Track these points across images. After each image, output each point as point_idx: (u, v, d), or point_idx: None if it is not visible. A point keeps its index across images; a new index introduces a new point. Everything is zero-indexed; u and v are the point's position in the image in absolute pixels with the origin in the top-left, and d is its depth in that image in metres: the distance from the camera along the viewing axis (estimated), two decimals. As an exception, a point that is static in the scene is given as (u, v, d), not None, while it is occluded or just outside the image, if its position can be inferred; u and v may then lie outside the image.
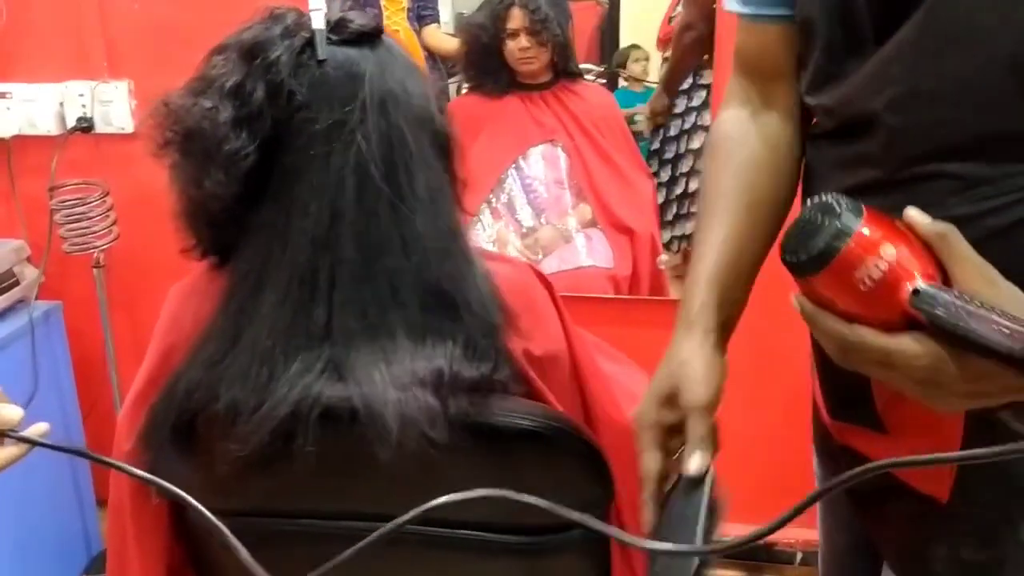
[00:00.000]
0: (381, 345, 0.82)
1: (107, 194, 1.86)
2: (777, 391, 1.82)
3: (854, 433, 0.87)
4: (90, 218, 1.81)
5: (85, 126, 1.89)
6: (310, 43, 0.86)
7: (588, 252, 2.13)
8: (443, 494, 0.87)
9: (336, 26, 0.87)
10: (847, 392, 0.84)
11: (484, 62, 1.96)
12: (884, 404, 0.81)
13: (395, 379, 0.80)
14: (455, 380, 0.82)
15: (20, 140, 1.94)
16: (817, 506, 1.08)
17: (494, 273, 0.91)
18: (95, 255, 1.89)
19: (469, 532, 0.89)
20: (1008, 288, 0.62)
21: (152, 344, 0.95)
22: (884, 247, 0.61)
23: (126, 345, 2.01)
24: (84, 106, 1.89)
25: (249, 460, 0.81)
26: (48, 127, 1.91)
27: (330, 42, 0.86)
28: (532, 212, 2.14)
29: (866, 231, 0.61)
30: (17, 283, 1.87)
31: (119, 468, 0.77)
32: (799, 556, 2.07)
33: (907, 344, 0.62)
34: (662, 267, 2.02)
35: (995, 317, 0.58)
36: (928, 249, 0.62)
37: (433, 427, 0.79)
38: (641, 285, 2.10)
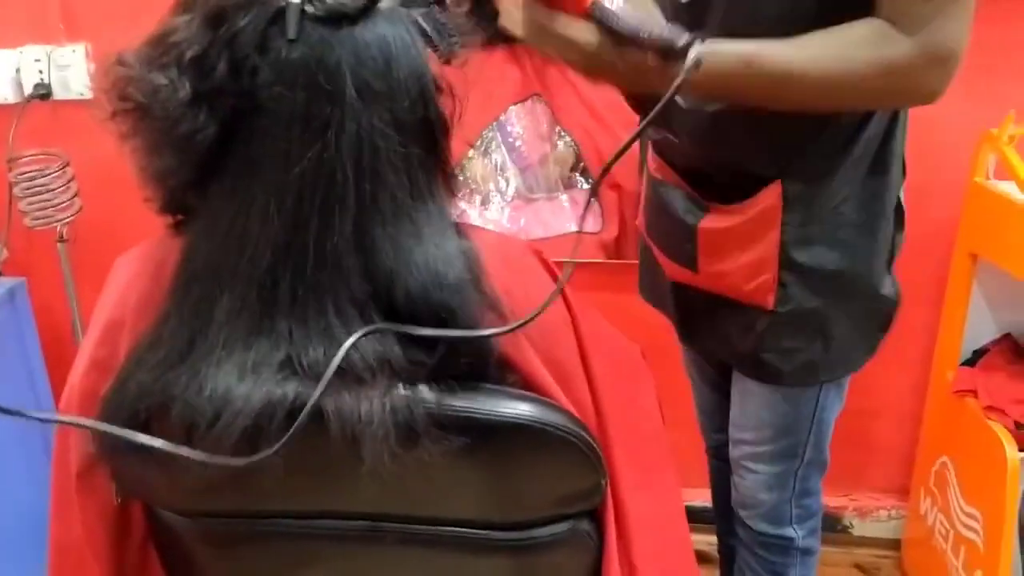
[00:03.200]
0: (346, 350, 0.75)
1: (67, 165, 1.78)
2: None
3: (672, 266, 1.30)
4: (51, 190, 1.73)
5: (43, 93, 1.80)
6: (283, 14, 0.75)
7: (574, 216, 2.07)
8: (426, 489, 0.83)
9: None
10: (672, 242, 1.27)
11: (473, 11, 1.88)
12: (702, 260, 1.23)
13: (360, 376, 0.74)
14: (428, 373, 0.77)
15: (-25, 109, 1.85)
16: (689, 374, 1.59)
17: (479, 251, 0.84)
18: (58, 229, 1.81)
19: (453, 529, 0.84)
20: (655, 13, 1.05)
21: (94, 319, 0.89)
22: None
23: (96, 321, 1.94)
24: (41, 72, 1.79)
25: (212, 471, 0.75)
26: (5, 95, 1.81)
27: (306, 16, 0.75)
28: (518, 174, 2.08)
29: None
30: (-21, 259, 1.80)
31: (61, 422, 0.78)
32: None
33: (585, 31, 0.95)
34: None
35: (644, 25, 0.92)
36: None
37: (406, 423, 0.74)
38: (628, 247, 2.05)
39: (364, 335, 0.76)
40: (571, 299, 0.91)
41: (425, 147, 0.81)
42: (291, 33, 0.75)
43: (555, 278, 0.91)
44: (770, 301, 1.18)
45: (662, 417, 1.11)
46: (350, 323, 0.77)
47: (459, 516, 0.84)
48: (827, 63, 0.94)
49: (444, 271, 0.79)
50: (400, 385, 0.76)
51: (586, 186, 2.09)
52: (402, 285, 0.78)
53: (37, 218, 1.75)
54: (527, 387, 0.84)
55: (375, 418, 0.73)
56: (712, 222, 1.19)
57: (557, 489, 0.85)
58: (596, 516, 0.89)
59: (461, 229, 0.86)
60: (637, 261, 2.05)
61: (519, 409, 0.80)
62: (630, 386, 0.96)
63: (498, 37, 1.90)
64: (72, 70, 1.79)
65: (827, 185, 1.13)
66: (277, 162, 0.76)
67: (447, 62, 0.99)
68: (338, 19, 0.76)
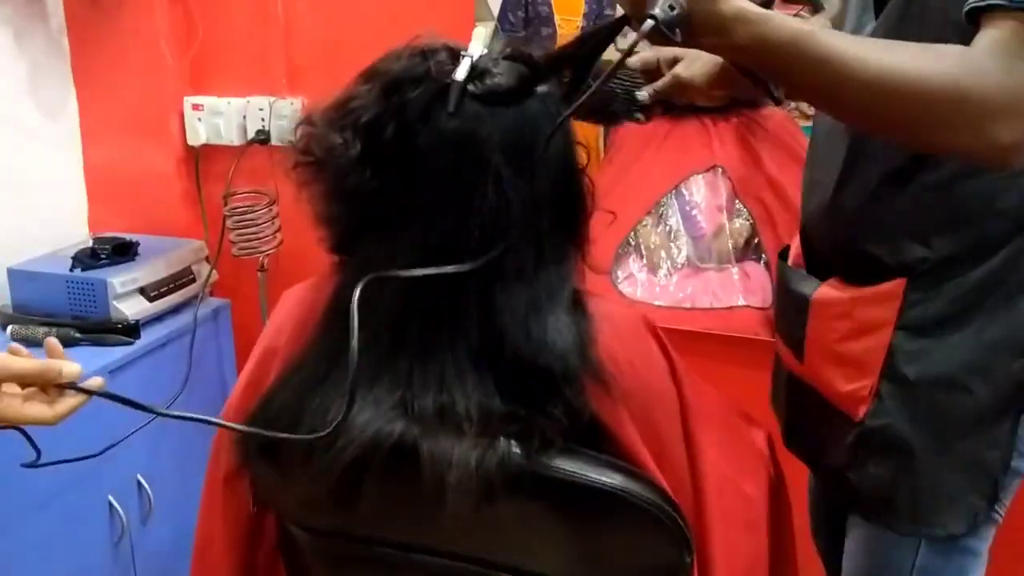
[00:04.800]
0: (454, 397, 0.82)
1: (274, 203, 1.99)
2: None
3: (787, 353, 1.22)
4: (257, 224, 1.94)
5: (262, 138, 2.03)
6: (448, 89, 0.84)
7: (743, 289, 2.05)
8: (509, 540, 0.87)
9: (477, 77, 0.85)
10: (788, 324, 1.19)
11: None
12: (808, 342, 1.13)
13: (460, 424, 0.80)
14: (523, 429, 0.81)
15: (208, 148, 2.11)
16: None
17: (592, 321, 0.88)
18: (260, 259, 2.02)
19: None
20: None
21: (256, 344, 1.01)
22: None
23: (285, 345, 2.13)
24: (263, 120, 2.02)
25: (324, 490, 0.83)
26: (231, 138, 2.06)
27: (467, 93, 0.84)
28: (691, 243, 2.09)
29: None
30: (193, 280, 2.03)
31: (178, 417, 0.82)
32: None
33: None
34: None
35: None
36: None
37: (491, 478, 0.79)
38: (800, 327, 2.00)
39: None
40: (682, 374, 0.93)
41: (559, 220, 0.88)
42: (451, 107, 0.84)
43: (665, 351, 0.94)
44: (861, 411, 1.07)
45: (787, 505, 1.09)
46: (463, 372, 0.84)
47: (542, 571, 0.87)
48: (889, 64, 0.81)
49: (553, 338, 0.84)
50: (495, 440, 0.81)
51: (760, 262, 2.06)
52: (511, 345, 0.83)
53: (243, 248, 1.96)
54: (620, 455, 0.86)
55: (463, 469, 0.79)
56: (826, 291, 1.10)
57: (639, 560, 0.87)
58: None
59: (579, 298, 0.90)
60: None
61: (606, 477, 0.83)
62: (737, 470, 0.96)
63: (688, 106, 1.97)
64: (288, 120, 2.01)
65: (956, 296, 1.02)
66: (422, 218, 0.85)
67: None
68: (494, 99, 0.85)
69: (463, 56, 0.85)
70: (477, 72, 0.85)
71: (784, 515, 1.10)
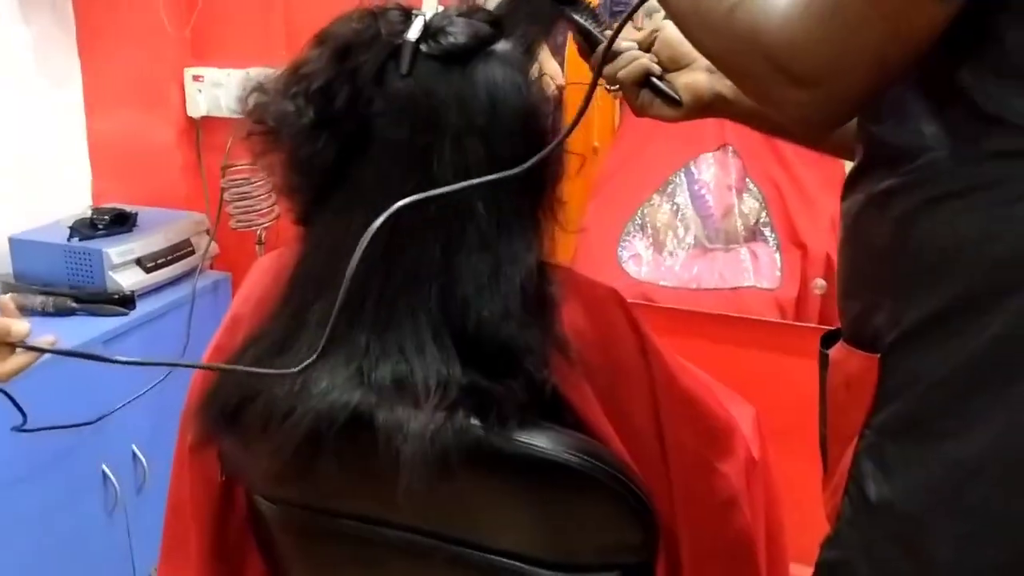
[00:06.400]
0: (413, 366, 0.80)
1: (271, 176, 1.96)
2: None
3: None
4: (253, 197, 1.92)
5: (262, 110, 2.01)
6: (401, 49, 0.82)
7: (752, 271, 2.01)
8: (468, 514, 0.85)
9: (431, 36, 0.82)
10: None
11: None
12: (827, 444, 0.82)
13: (418, 394, 0.78)
14: (482, 404, 0.79)
15: (208, 120, 2.09)
16: None
17: (560, 293, 0.85)
18: (257, 232, 2.00)
19: (502, 559, 0.86)
20: None
21: (228, 311, 1.00)
22: None
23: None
24: (263, 91, 2.00)
25: (284, 460, 0.82)
26: (232, 109, 2.03)
27: (420, 54, 0.82)
28: (699, 223, 2.06)
29: None
30: (193, 252, 2.02)
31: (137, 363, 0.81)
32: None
33: None
34: (817, 292, 1.87)
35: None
36: None
37: (445, 451, 0.76)
38: (807, 309, 1.96)
39: None
40: (652, 350, 0.90)
41: (522, 186, 0.84)
42: (403, 68, 0.81)
43: (635, 327, 0.90)
44: (828, 530, 0.78)
45: (772, 486, 1.05)
46: (423, 342, 0.81)
47: (505, 547, 0.86)
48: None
49: (516, 308, 0.81)
50: (453, 412, 0.78)
51: (770, 242, 2.02)
52: (474, 315, 0.81)
53: (240, 221, 1.95)
54: (583, 430, 0.84)
55: (418, 441, 0.77)
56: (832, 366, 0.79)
57: (601, 537, 0.85)
58: (652, 571, 0.87)
59: (547, 268, 0.87)
60: (813, 325, 1.95)
61: (567, 452, 0.81)
62: (710, 451, 0.93)
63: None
64: (288, 92, 1.99)
65: (935, 381, 0.67)
66: (380, 186, 0.82)
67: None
68: (449, 59, 0.82)
69: (415, 15, 0.82)
70: (431, 31, 0.82)
71: (769, 495, 1.06)
